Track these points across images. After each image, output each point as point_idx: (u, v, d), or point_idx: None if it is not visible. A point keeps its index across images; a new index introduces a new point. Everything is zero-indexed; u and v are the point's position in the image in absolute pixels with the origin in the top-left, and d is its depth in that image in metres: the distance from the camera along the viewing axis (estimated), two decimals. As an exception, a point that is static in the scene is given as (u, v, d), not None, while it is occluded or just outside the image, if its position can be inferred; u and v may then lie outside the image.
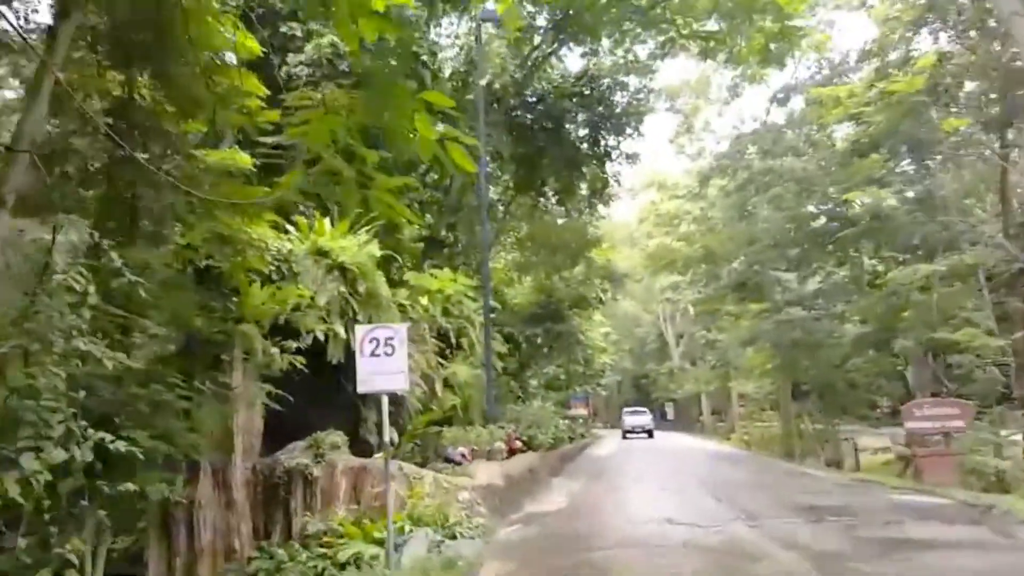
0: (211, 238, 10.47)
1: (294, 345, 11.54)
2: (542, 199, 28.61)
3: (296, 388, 12.23)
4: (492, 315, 23.41)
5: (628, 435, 46.87)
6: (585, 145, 27.25)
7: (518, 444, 18.01)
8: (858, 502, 12.32)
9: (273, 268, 12.12)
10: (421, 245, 23.37)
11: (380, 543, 9.36)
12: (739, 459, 27.12)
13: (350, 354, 12.83)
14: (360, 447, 12.72)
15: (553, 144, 26.11)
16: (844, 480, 16.78)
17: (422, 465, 13.41)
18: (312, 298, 12.20)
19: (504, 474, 12.91)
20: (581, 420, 44.04)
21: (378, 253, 13.33)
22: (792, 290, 30.37)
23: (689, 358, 65.59)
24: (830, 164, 24.89)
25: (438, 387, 13.95)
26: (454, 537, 9.35)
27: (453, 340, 17.98)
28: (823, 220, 28.52)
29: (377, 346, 7.41)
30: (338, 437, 11.41)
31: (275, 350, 11.42)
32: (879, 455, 23.03)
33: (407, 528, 9.35)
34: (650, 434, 46.79)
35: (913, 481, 15.24)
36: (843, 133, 27.69)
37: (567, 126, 26.73)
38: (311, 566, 9.30)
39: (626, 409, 54.00)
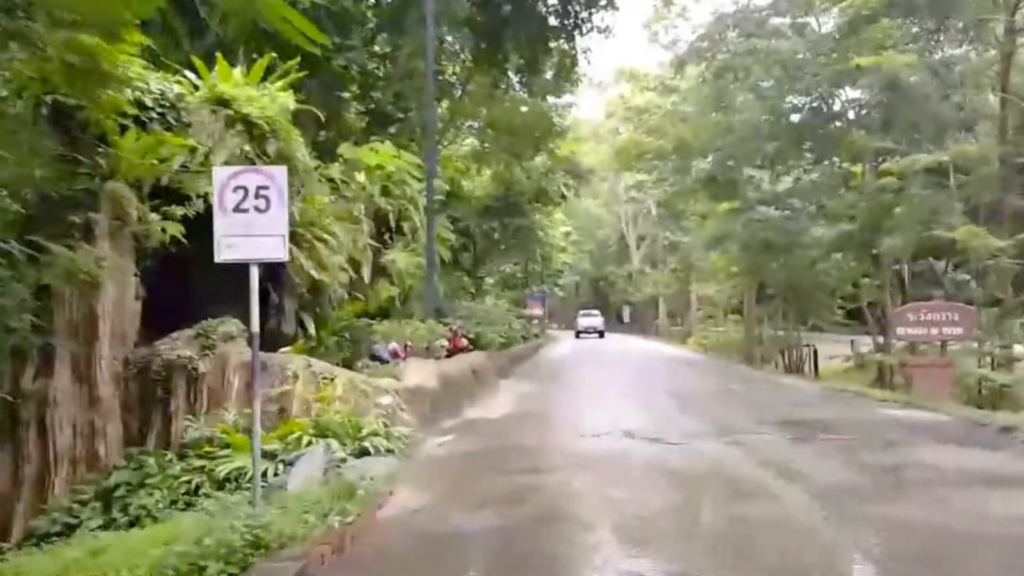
0: (60, 66, 7.99)
1: (179, 212, 9.34)
2: (503, 78, 25.88)
3: (189, 268, 10.12)
4: (441, 199, 21.24)
5: (581, 335, 47.86)
6: (553, 17, 24.49)
7: (464, 342, 16.21)
8: (845, 416, 10.78)
9: (156, 116, 9.75)
10: (365, 120, 20.92)
11: (272, 456, 7.51)
12: (699, 363, 25.87)
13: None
14: (273, 341, 10.72)
15: (518, 15, 23.33)
16: (817, 389, 15.34)
17: (349, 364, 11.54)
18: (207, 156, 9.90)
19: (441, 374, 11.06)
20: (536, 320, 42.70)
21: (293, 106, 10.92)
22: (765, 189, 28.65)
23: (649, 261, 64.41)
24: (821, 47, 22.56)
25: (366, 272, 11.84)
26: (366, 453, 7.51)
27: (393, 223, 15.84)
28: (806, 112, 26.55)
29: (245, 197, 5.26)
30: (234, 326, 9.37)
31: (155, 216, 9.23)
32: (850, 362, 21.87)
33: (306, 440, 7.46)
34: (601, 334, 47.96)
35: (899, 392, 13.86)
36: (831, 18, 25.37)
37: (535, -6, 23.93)
38: (184, 480, 7.46)
39: (580, 311, 55.35)
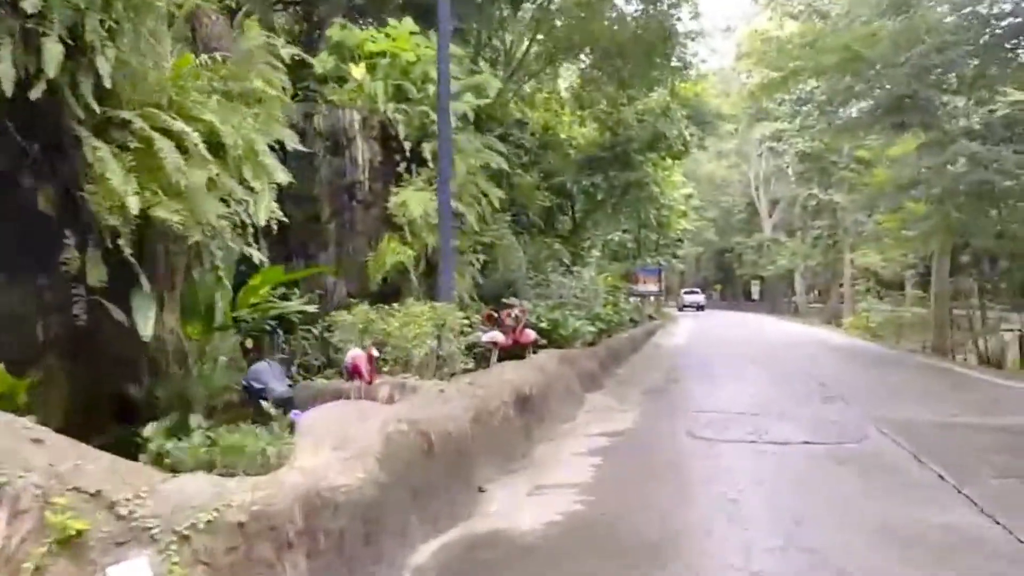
0: None
1: None
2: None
3: None
4: (515, 139, 15.07)
5: (684, 308, 54.61)
6: None
7: (531, 335, 10.01)
8: None
9: None
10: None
11: None
12: (890, 360, 18.62)
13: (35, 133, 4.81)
14: (74, 346, 4.95)
15: None
16: None
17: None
18: None
19: (406, 433, 4.86)
20: (652, 298, 35.88)
21: None
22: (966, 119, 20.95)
23: (785, 228, 55.82)
24: None
25: (263, 209, 5.72)
26: None
27: (406, 144, 9.79)
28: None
29: None
30: None
31: None
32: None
33: None
34: (701, 308, 55.46)
35: None
36: None
37: None
38: None
39: (683, 290, 62.22)
